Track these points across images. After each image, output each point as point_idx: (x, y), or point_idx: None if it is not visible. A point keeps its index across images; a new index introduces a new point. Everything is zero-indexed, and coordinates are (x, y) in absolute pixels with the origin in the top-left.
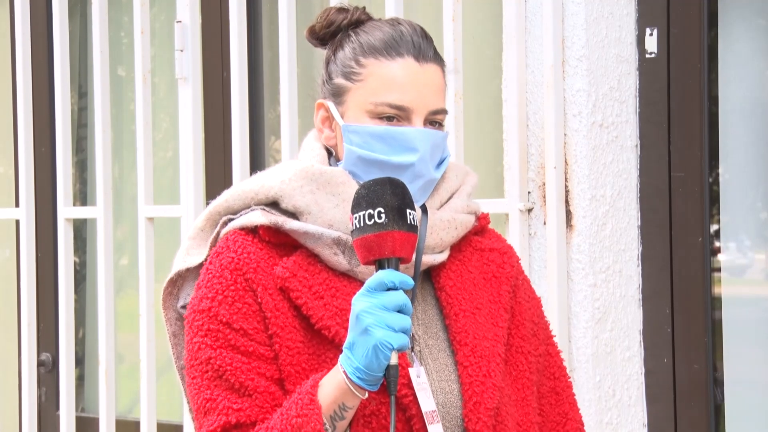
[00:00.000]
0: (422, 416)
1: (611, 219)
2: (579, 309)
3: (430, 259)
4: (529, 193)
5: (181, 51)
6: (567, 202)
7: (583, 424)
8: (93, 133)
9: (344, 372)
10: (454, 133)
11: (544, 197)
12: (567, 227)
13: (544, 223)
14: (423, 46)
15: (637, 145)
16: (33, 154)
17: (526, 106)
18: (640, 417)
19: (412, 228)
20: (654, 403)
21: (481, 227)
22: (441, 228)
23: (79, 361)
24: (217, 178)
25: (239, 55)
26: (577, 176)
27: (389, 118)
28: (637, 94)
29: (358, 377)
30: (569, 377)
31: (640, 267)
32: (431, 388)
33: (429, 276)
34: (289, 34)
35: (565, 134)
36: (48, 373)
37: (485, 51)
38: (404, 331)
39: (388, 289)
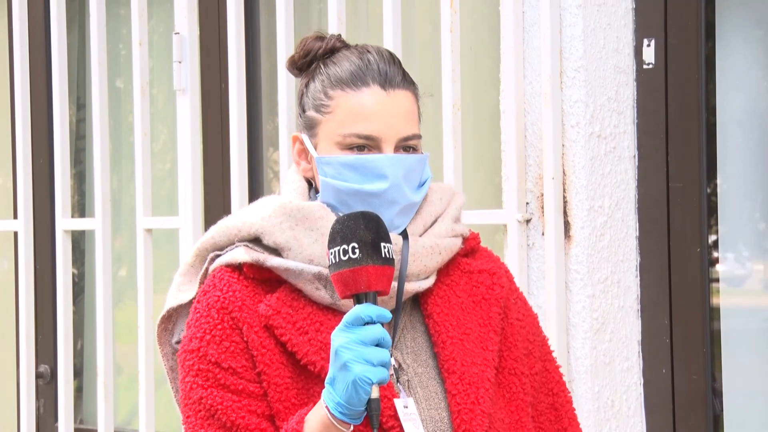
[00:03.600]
0: None
1: (609, 229)
2: (577, 320)
3: (414, 286)
4: (527, 203)
5: (179, 62)
6: (565, 212)
7: None
8: (91, 144)
9: (327, 407)
10: (453, 144)
11: (543, 208)
12: (565, 238)
13: (543, 234)
14: (390, 73)
15: (635, 156)
16: (31, 166)
17: (524, 117)
18: (639, 428)
19: (388, 261)
20: (653, 414)
21: (470, 248)
22: (424, 255)
23: (78, 373)
24: (216, 189)
25: (237, 67)
26: (575, 187)
27: (360, 148)
28: (635, 105)
29: (340, 412)
30: (569, 392)
31: (638, 277)
32: (421, 417)
33: (418, 303)
34: (287, 46)
35: (563, 145)
36: (46, 384)
37: (483, 62)
38: (383, 365)
39: (366, 324)
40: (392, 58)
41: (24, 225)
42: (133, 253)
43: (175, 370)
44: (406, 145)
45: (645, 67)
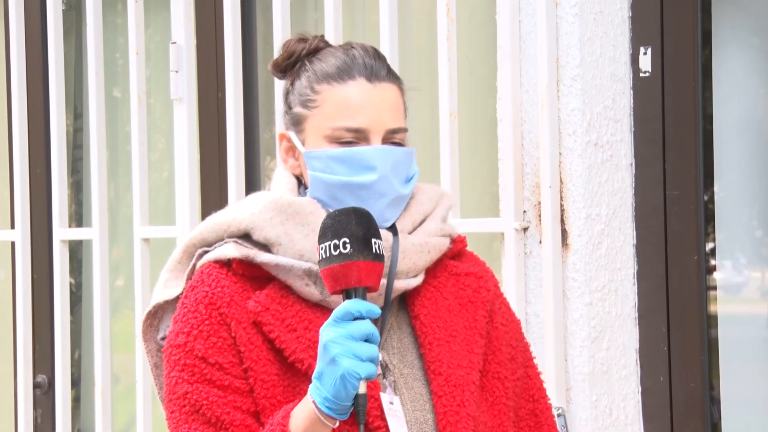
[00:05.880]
0: None
1: (607, 238)
2: (575, 328)
3: (403, 284)
4: (524, 212)
5: (176, 72)
6: (562, 221)
7: None
8: (88, 154)
9: (314, 402)
10: (450, 153)
11: (540, 216)
12: (562, 246)
13: (540, 242)
14: (375, 67)
15: (632, 164)
16: (28, 176)
17: (520, 126)
18: None
19: (378, 257)
20: (651, 422)
21: (457, 251)
22: (413, 252)
23: (75, 383)
24: (213, 198)
25: (234, 76)
26: (572, 195)
27: (348, 143)
28: (632, 113)
29: (327, 407)
30: (549, 399)
31: (635, 285)
32: (406, 418)
33: (404, 303)
34: None
35: (560, 153)
36: (44, 394)
37: (480, 70)
38: (371, 360)
39: (355, 319)
40: (377, 53)
41: (21, 235)
42: (130, 263)
43: (159, 367)
44: (393, 139)
45: (642, 75)
